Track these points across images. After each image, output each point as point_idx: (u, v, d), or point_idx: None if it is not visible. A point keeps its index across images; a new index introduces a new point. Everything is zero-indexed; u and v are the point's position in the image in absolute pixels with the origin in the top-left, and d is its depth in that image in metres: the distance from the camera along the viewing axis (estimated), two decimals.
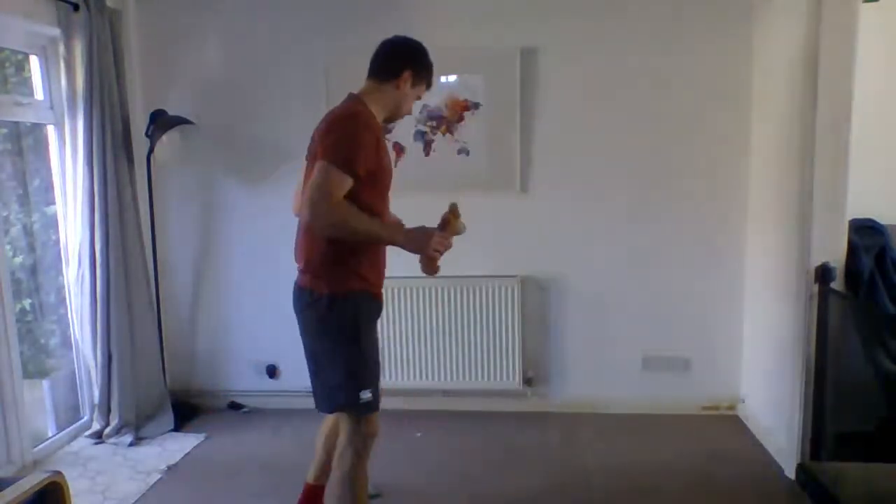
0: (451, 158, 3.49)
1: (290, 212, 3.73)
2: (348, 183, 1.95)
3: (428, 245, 2.06)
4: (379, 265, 2.21)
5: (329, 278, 2.08)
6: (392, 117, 2.26)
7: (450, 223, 2.14)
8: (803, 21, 2.70)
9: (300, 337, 2.21)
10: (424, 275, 2.18)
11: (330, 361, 2.12)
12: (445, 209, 2.17)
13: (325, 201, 1.91)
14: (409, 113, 2.30)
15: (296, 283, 2.20)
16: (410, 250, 2.08)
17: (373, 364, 2.16)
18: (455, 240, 3.44)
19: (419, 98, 2.29)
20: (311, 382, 2.21)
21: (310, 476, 2.45)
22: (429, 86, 2.27)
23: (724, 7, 3.31)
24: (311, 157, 2.08)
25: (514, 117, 3.43)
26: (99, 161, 3.16)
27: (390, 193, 2.27)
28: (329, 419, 2.38)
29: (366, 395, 2.08)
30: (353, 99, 2.16)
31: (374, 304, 2.20)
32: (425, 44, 3.43)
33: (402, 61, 2.18)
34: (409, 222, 3.69)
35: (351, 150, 1.97)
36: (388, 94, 2.18)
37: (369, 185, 2.03)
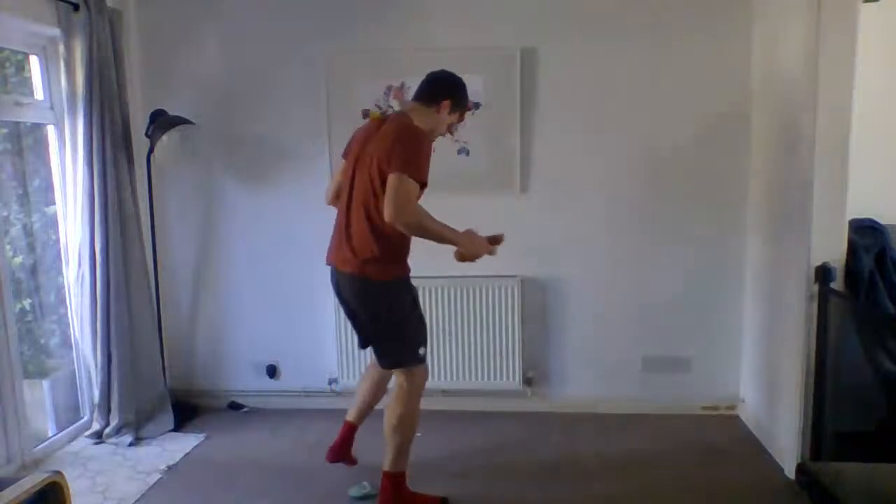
0: (451, 158, 3.49)
1: (289, 211, 3.77)
2: (419, 190, 2.38)
3: (479, 250, 2.52)
4: (407, 259, 2.63)
5: (385, 268, 2.50)
6: (429, 131, 2.58)
7: (498, 241, 2.63)
8: (803, 21, 2.70)
9: (349, 317, 2.68)
10: (458, 260, 2.56)
11: (393, 330, 2.57)
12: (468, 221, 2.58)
13: (409, 206, 2.32)
14: (443, 135, 2.68)
15: (344, 273, 2.56)
16: (464, 250, 2.50)
17: (423, 327, 2.65)
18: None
19: (452, 124, 2.67)
20: (374, 348, 2.68)
21: (351, 415, 2.93)
22: (461, 118, 2.68)
23: (725, 7, 3.31)
24: (353, 158, 2.56)
25: (514, 117, 3.43)
26: (99, 161, 3.16)
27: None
28: (373, 371, 2.86)
29: (422, 350, 2.60)
30: (403, 115, 2.57)
31: (412, 286, 2.66)
32: (425, 43, 3.46)
33: (445, 92, 2.58)
34: None
35: (420, 163, 2.37)
36: (429, 116, 2.55)
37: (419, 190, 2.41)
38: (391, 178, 2.30)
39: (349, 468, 2.95)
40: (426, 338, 2.65)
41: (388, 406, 2.60)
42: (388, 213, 2.30)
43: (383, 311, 2.54)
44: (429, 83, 2.61)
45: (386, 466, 2.59)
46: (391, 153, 2.34)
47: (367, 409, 2.93)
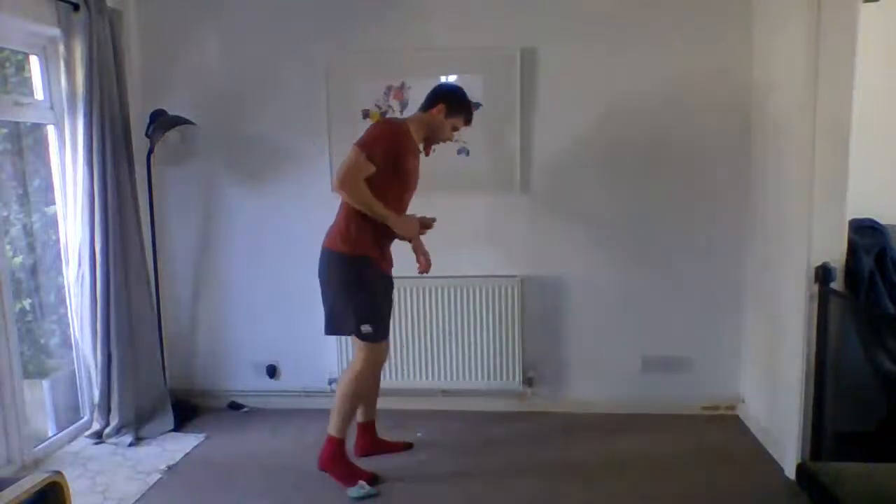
0: (451, 158, 3.49)
1: (289, 211, 3.77)
2: (370, 168, 2.64)
3: (409, 231, 2.82)
4: (385, 250, 2.89)
5: (351, 244, 2.75)
6: (430, 139, 2.91)
7: (427, 224, 2.90)
8: (803, 21, 2.70)
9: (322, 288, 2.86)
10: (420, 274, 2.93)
11: (340, 298, 2.81)
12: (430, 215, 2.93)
13: (350, 176, 2.63)
14: (449, 139, 2.95)
15: (322, 247, 2.85)
16: (397, 230, 2.77)
17: (374, 307, 2.82)
18: (456, 241, 3.51)
19: (456, 129, 2.90)
20: (325, 315, 2.90)
21: (359, 415, 3.07)
22: (466, 122, 2.91)
23: (724, 7, 3.31)
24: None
25: (514, 117, 3.43)
26: (99, 161, 3.16)
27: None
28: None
29: (366, 328, 2.77)
30: (399, 119, 2.94)
31: (380, 273, 2.87)
32: (425, 43, 3.46)
33: (437, 97, 2.86)
34: None
35: (374, 145, 2.65)
36: (424, 120, 2.85)
37: (388, 176, 2.69)
38: (349, 152, 2.64)
39: (397, 454, 3.12)
40: (376, 320, 2.80)
41: (342, 376, 2.91)
42: (334, 180, 2.69)
43: (334, 277, 2.80)
44: (429, 93, 2.90)
45: (330, 430, 2.87)
46: (363, 134, 2.69)
47: (373, 401, 3.12)
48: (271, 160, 3.63)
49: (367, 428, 3.13)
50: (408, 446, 3.19)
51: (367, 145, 2.65)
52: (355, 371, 2.84)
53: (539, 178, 3.50)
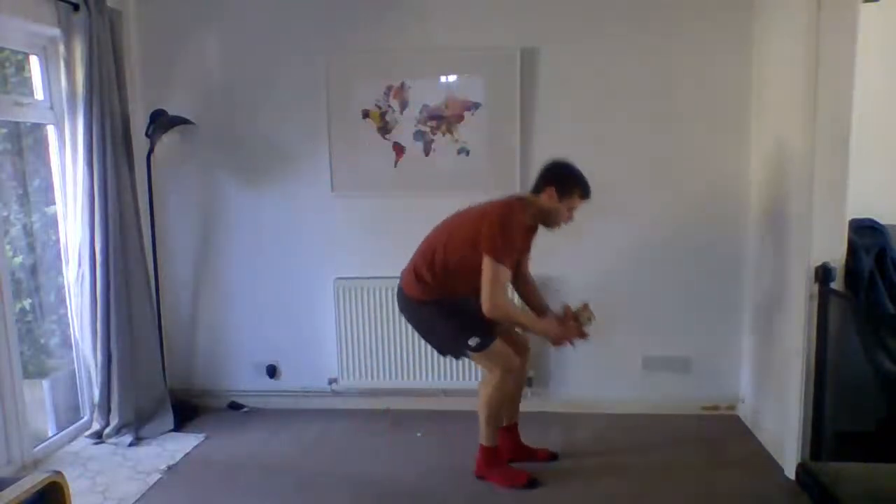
0: (451, 158, 3.49)
1: (289, 211, 3.77)
2: (508, 274, 2.67)
3: (554, 336, 2.78)
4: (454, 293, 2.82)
5: (428, 292, 2.79)
6: (546, 223, 2.79)
7: (578, 319, 2.80)
8: (803, 21, 2.70)
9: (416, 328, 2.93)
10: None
11: (432, 331, 2.88)
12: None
13: (498, 294, 2.63)
14: (567, 220, 2.78)
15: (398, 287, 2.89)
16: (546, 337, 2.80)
17: (467, 324, 2.74)
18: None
19: (574, 208, 2.74)
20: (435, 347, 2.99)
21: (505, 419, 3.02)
22: (582, 196, 2.73)
23: (724, 6, 3.31)
24: (455, 229, 2.79)
25: (514, 117, 3.43)
26: (99, 161, 3.16)
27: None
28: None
29: (473, 341, 2.71)
30: (512, 199, 2.78)
31: (458, 295, 2.81)
32: (425, 43, 3.45)
33: (546, 180, 2.72)
34: (409, 220, 3.71)
35: (506, 248, 2.63)
36: (535, 204, 2.74)
37: None
38: (485, 262, 2.60)
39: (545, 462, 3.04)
40: (476, 330, 2.72)
41: (480, 388, 2.84)
42: (485, 304, 2.61)
43: (422, 317, 2.84)
44: (539, 173, 2.78)
45: (481, 440, 2.86)
46: (486, 238, 2.62)
47: (513, 404, 3.02)
48: (271, 160, 3.63)
49: (510, 431, 3.02)
50: (553, 456, 3.06)
51: (499, 253, 2.59)
52: (493, 383, 2.76)
53: None
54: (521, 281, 3.00)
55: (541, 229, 2.85)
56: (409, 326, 3.50)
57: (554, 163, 2.77)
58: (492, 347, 2.73)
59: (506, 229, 2.63)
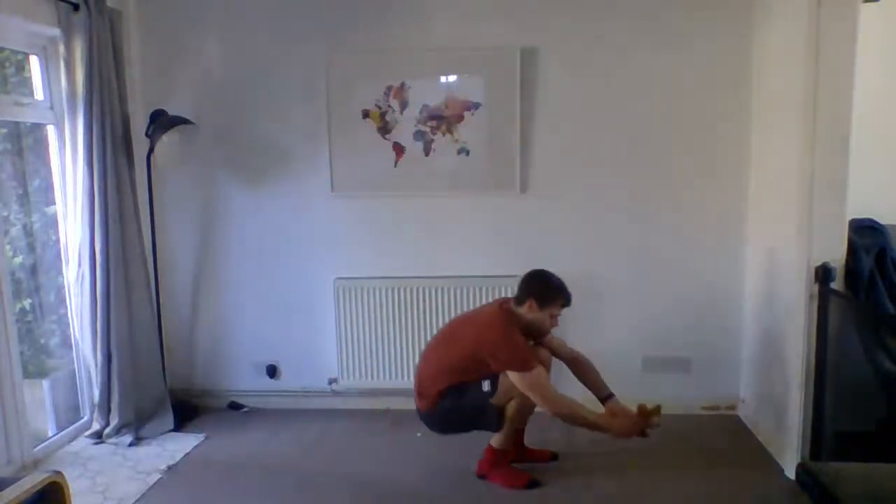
0: (451, 158, 3.49)
1: (289, 211, 3.76)
2: (543, 372, 2.75)
3: (625, 434, 2.79)
4: None
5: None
6: (529, 333, 2.81)
7: (651, 418, 2.81)
8: (803, 21, 2.70)
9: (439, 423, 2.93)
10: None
11: (467, 412, 2.83)
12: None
13: (549, 398, 2.71)
14: (550, 329, 2.86)
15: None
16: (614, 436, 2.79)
17: (479, 398, 2.78)
18: (457, 241, 3.51)
19: (556, 315, 2.81)
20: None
21: None
22: (563, 305, 2.80)
23: (725, 6, 3.31)
24: (449, 338, 2.90)
25: (514, 117, 3.43)
26: (99, 161, 3.16)
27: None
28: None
29: (485, 385, 2.75)
30: (502, 307, 2.82)
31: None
32: (425, 43, 3.44)
33: (526, 293, 2.78)
34: (410, 220, 3.71)
35: (525, 353, 2.71)
36: (520, 315, 2.78)
37: None
38: (516, 379, 2.66)
39: (546, 463, 3.06)
40: (486, 382, 2.77)
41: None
42: (549, 411, 2.72)
43: (447, 417, 2.86)
44: (520, 283, 2.84)
45: (493, 441, 2.87)
46: (500, 360, 2.69)
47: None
48: (271, 160, 3.63)
49: (516, 433, 2.99)
50: (554, 456, 3.09)
51: (522, 364, 2.66)
52: (519, 400, 2.74)
53: (539, 178, 3.50)
54: (568, 362, 3.01)
55: None
56: (409, 326, 3.53)
57: (532, 275, 2.84)
58: (508, 380, 2.72)
59: (511, 339, 2.70)
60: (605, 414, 2.85)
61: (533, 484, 2.83)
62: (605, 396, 2.92)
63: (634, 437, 2.78)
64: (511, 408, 2.76)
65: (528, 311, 2.76)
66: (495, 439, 2.86)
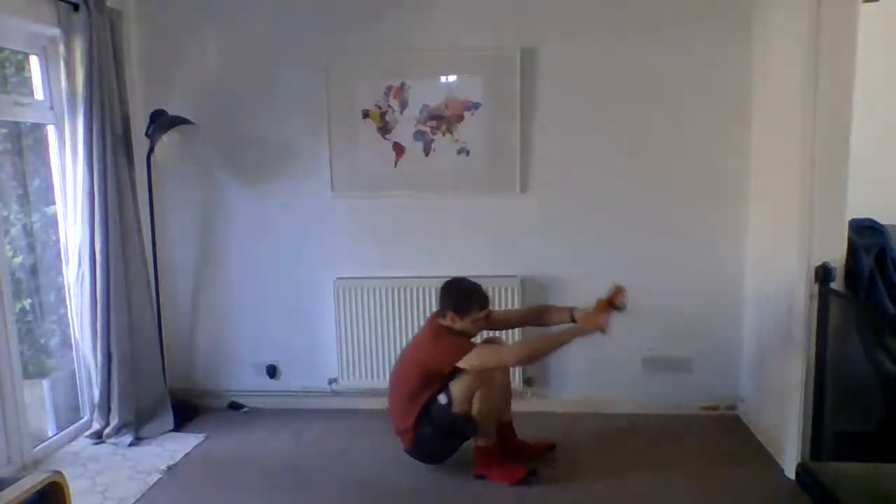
0: (451, 158, 3.49)
1: (289, 211, 3.76)
2: (487, 348, 2.90)
3: (591, 327, 2.78)
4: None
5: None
6: (465, 334, 2.86)
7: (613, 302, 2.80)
8: (803, 21, 2.70)
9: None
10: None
11: (438, 432, 2.88)
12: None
13: (503, 357, 2.87)
14: (479, 330, 2.93)
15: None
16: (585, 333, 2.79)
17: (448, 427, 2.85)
18: (457, 241, 3.51)
19: (478, 319, 2.85)
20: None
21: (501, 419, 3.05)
22: (482, 308, 2.85)
23: (724, 7, 3.31)
24: (399, 373, 2.95)
25: (514, 117, 3.43)
26: (99, 161, 3.16)
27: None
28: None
29: (443, 398, 2.80)
30: (428, 325, 2.93)
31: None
32: (425, 43, 3.44)
33: (444, 305, 2.86)
34: (408, 221, 3.70)
35: (460, 342, 2.79)
36: (448, 326, 2.84)
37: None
38: (465, 365, 2.73)
39: (546, 452, 3.10)
40: (441, 395, 2.82)
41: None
42: (511, 363, 2.92)
43: (423, 447, 2.92)
44: (439, 296, 2.91)
45: (479, 441, 2.91)
46: (442, 359, 2.78)
47: (504, 400, 3.05)
48: (271, 160, 3.63)
49: (502, 429, 3.03)
50: (550, 447, 3.13)
51: (460, 351, 2.73)
52: (479, 398, 2.80)
53: (539, 178, 3.50)
54: (523, 321, 3.05)
55: None
56: (409, 326, 3.53)
57: (445, 287, 2.89)
58: (459, 382, 2.79)
59: (441, 339, 2.80)
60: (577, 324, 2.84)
61: (532, 475, 2.85)
62: (570, 317, 2.92)
63: (603, 328, 2.75)
64: (476, 406, 2.79)
65: (451, 323, 2.83)
66: (479, 439, 2.89)
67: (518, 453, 3.02)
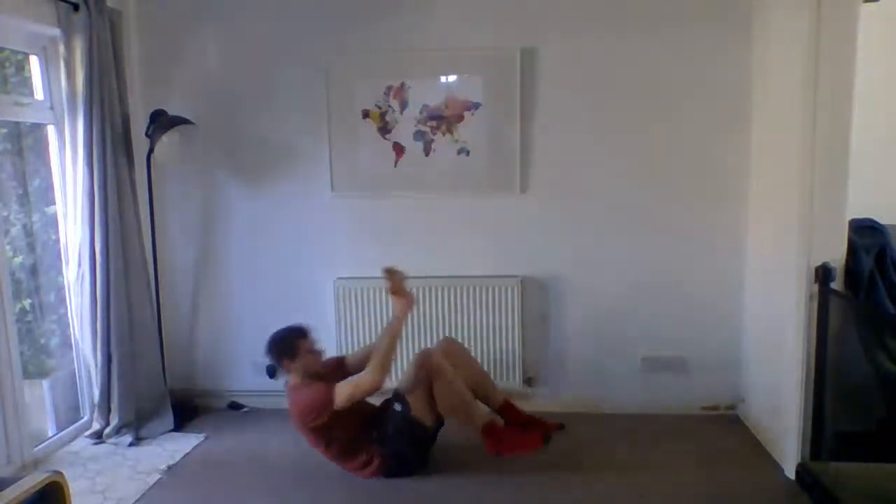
0: (451, 158, 3.49)
1: (289, 211, 3.76)
2: (345, 385, 2.80)
3: (403, 310, 2.92)
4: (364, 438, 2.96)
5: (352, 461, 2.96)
6: (320, 375, 2.91)
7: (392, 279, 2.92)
8: (803, 21, 2.70)
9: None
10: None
11: (399, 443, 2.93)
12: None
13: (367, 384, 2.79)
14: (320, 357, 2.98)
15: None
16: (403, 317, 2.93)
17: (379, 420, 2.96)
18: (457, 241, 3.51)
19: (312, 350, 2.93)
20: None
21: (492, 406, 3.19)
22: (300, 337, 2.91)
23: (724, 7, 3.31)
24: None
25: (514, 117, 3.43)
26: (99, 161, 3.16)
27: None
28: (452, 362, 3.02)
29: (398, 406, 2.89)
30: (286, 391, 2.95)
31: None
32: (425, 43, 3.43)
33: (277, 362, 2.91)
34: (409, 220, 3.69)
35: (318, 388, 2.82)
36: (296, 375, 2.90)
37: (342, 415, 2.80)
38: (336, 405, 2.77)
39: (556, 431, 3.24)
40: (395, 401, 2.93)
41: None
42: (373, 385, 2.79)
43: (398, 454, 2.92)
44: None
45: (474, 430, 2.99)
46: (309, 409, 2.80)
47: (483, 387, 3.16)
48: (271, 160, 3.63)
49: (504, 409, 3.18)
50: (559, 426, 3.27)
51: (322, 387, 2.80)
52: (438, 389, 2.88)
53: (539, 178, 3.50)
54: (365, 360, 3.00)
55: None
56: (409, 326, 3.52)
57: (267, 347, 2.93)
58: (404, 383, 2.92)
59: (301, 393, 2.84)
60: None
61: (548, 438, 3.06)
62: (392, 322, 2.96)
63: (410, 306, 2.92)
64: (440, 404, 2.88)
65: (294, 371, 2.88)
66: (472, 427, 2.97)
67: (530, 427, 3.16)
